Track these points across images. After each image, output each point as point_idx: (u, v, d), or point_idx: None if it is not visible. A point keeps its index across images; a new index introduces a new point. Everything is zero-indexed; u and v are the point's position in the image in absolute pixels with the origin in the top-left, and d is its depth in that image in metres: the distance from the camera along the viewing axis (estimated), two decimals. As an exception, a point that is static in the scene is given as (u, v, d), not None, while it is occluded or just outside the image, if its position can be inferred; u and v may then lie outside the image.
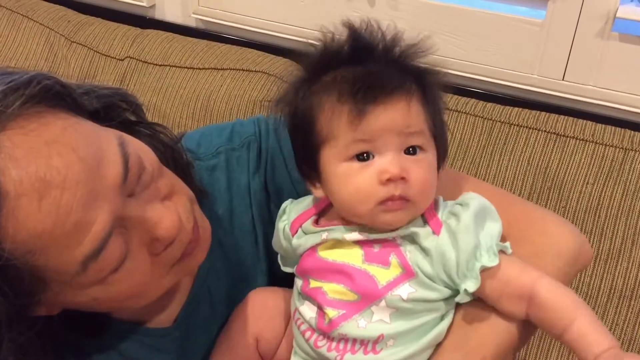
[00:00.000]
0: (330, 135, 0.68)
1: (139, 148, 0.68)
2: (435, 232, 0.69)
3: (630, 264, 1.14)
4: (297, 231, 0.75)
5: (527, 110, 1.21)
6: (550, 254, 0.74)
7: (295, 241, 0.75)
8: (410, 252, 0.69)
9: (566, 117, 1.19)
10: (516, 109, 1.22)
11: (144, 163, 0.66)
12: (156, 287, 0.70)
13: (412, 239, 0.69)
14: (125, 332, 0.78)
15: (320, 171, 0.70)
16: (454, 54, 1.30)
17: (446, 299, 0.70)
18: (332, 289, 0.70)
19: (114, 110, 0.72)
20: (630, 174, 1.14)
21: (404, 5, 1.30)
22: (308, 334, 0.73)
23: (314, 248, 0.73)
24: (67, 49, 1.47)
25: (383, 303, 0.68)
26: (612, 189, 1.14)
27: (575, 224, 1.14)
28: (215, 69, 1.36)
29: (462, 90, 1.29)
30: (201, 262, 0.73)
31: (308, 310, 0.72)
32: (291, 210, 0.77)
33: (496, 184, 1.18)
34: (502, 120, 1.20)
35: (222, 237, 0.82)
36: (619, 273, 1.15)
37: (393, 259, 0.69)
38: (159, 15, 1.57)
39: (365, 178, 0.67)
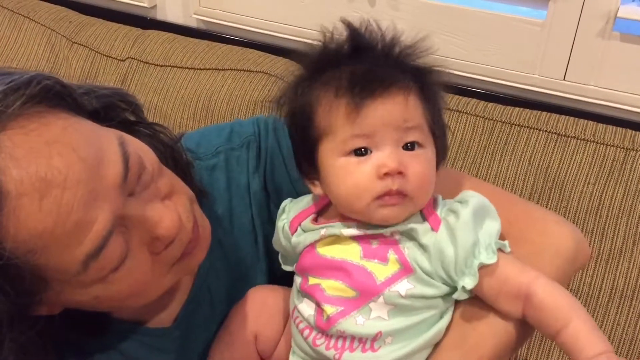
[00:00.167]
0: (328, 129, 0.68)
1: (139, 148, 0.68)
2: (434, 228, 0.69)
3: (632, 264, 1.14)
4: (296, 229, 0.76)
5: (528, 110, 1.21)
6: (549, 252, 0.74)
7: (294, 239, 0.75)
8: (409, 249, 0.69)
9: (567, 117, 1.19)
10: (517, 109, 1.22)
11: (144, 163, 0.66)
12: (156, 286, 0.70)
13: (411, 236, 0.69)
14: (126, 331, 0.78)
15: (318, 167, 0.71)
16: (454, 54, 1.30)
17: (444, 296, 0.70)
18: (330, 286, 0.70)
19: (113, 110, 0.72)
20: (631, 174, 1.14)
21: (405, 5, 1.31)
22: (306, 332, 0.73)
23: (312, 245, 0.73)
24: (69, 49, 1.48)
25: (381, 299, 0.68)
26: (613, 189, 1.14)
27: (576, 224, 1.14)
28: (216, 69, 1.36)
29: (463, 90, 1.29)
30: (201, 261, 0.73)
31: (307, 308, 0.73)
32: (290, 209, 0.77)
33: (497, 184, 1.18)
34: (503, 120, 1.20)
35: (222, 236, 0.83)
36: (620, 273, 1.15)
37: (391, 255, 0.69)
38: (160, 15, 1.57)
39: (363, 172, 0.67)
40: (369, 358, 0.69)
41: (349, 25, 0.71)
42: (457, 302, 0.71)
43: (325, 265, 0.71)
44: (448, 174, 0.76)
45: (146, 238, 0.66)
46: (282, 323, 0.81)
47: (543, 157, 1.17)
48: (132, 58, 1.42)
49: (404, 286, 0.68)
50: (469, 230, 0.67)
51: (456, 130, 1.21)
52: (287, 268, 0.80)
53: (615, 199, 1.14)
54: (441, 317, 0.71)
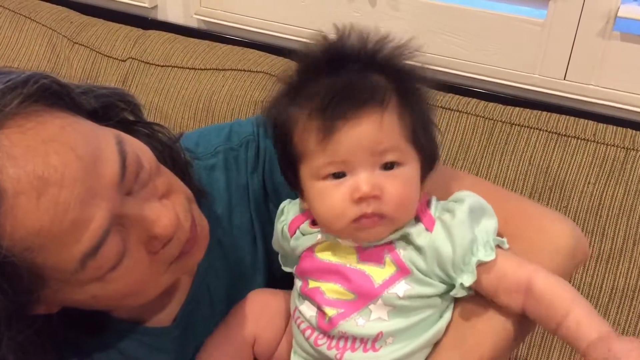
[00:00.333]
0: (304, 153, 0.68)
1: (137, 147, 0.68)
2: (428, 228, 0.69)
3: (632, 264, 1.14)
4: (295, 232, 0.76)
5: (528, 110, 1.21)
6: (548, 250, 0.74)
7: (293, 242, 0.75)
8: (404, 250, 0.69)
9: (567, 116, 1.19)
10: (517, 108, 1.21)
11: (142, 162, 0.66)
12: (154, 285, 0.70)
13: (406, 239, 0.70)
14: (125, 331, 0.78)
15: (301, 185, 0.71)
16: (455, 53, 1.30)
17: (442, 295, 0.70)
18: (330, 289, 0.71)
19: (112, 109, 0.72)
20: (632, 173, 1.14)
21: (405, 5, 1.30)
22: (308, 332, 0.73)
23: (311, 249, 0.74)
24: (70, 50, 1.48)
25: (380, 301, 0.68)
26: (613, 188, 1.14)
27: (577, 224, 1.13)
28: (216, 69, 1.36)
29: (463, 90, 1.29)
30: (199, 260, 0.73)
31: (308, 309, 0.73)
32: (289, 211, 0.78)
33: (497, 184, 1.18)
34: (504, 120, 1.20)
35: (221, 236, 0.83)
36: (620, 273, 1.14)
37: (387, 258, 0.69)
38: (161, 16, 1.57)
39: (338, 196, 0.67)
40: (370, 358, 0.69)
41: (324, 38, 0.70)
42: (456, 301, 0.71)
43: (323, 269, 0.72)
44: (443, 171, 0.76)
45: (143, 237, 0.66)
46: (283, 325, 0.81)
47: (543, 157, 1.17)
48: (133, 58, 1.43)
49: (401, 288, 0.68)
50: (466, 228, 0.67)
51: (456, 130, 1.21)
52: (287, 269, 0.80)
53: (616, 199, 1.14)
54: (441, 316, 0.71)
